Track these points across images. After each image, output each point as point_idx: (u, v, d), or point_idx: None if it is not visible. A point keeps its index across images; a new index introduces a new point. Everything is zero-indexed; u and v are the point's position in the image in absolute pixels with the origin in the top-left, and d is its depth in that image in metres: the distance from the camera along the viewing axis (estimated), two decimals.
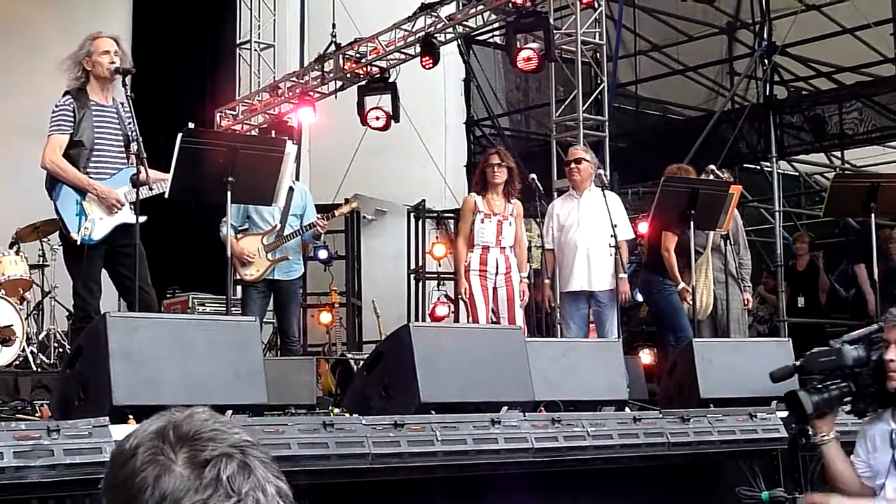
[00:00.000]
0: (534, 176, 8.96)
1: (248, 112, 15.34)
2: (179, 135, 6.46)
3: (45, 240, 10.71)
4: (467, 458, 4.75)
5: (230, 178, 6.51)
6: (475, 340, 5.93)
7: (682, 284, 8.78)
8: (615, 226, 8.29)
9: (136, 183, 6.56)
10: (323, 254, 13.83)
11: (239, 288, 9.07)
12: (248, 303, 8.74)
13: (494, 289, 8.66)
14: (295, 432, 4.33)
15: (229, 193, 6.56)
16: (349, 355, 11.69)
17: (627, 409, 6.94)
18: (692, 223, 8.22)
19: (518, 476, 5.02)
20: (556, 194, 10.85)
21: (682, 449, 5.52)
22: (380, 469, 4.49)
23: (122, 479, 1.52)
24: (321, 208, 9.25)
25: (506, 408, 5.54)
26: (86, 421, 3.99)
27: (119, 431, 4.18)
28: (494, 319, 8.60)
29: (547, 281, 8.97)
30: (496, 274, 8.66)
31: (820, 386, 4.68)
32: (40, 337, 10.57)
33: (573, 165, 9.00)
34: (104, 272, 6.98)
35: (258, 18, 16.09)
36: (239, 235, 8.49)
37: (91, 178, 6.74)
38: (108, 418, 4.07)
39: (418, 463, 4.60)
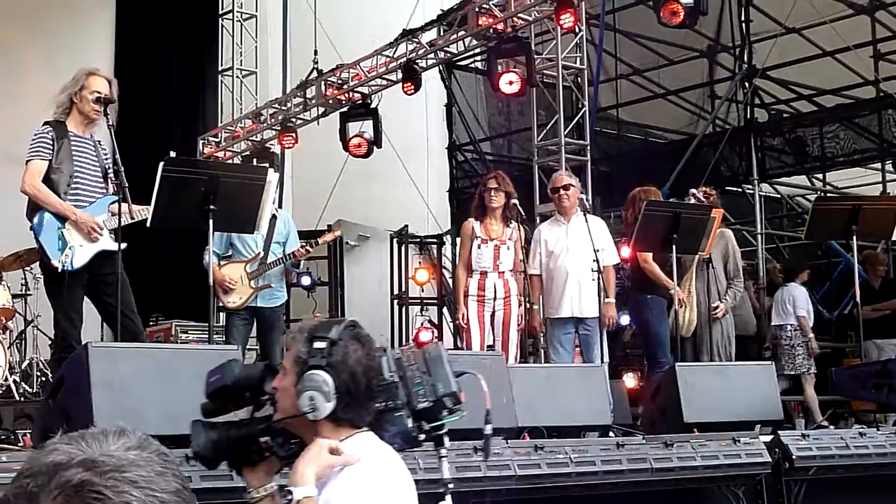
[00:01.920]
0: (515, 201, 8.94)
1: (230, 139, 15.33)
2: (161, 163, 6.46)
3: (28, 269, 10.67)
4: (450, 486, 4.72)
5: (212, 207, 6.52)
6: (456, 366, 5.90)
7: (675, 289, 8.75)
8: (597, 251, 8.31)
9: (116, 211, 6.55)
10: (306, 280, 13.71)
11: (223, 315, 9.05)
12: (231, 330, 8.72)
13: (492, 314, 8.66)
14: None
15: (211, 222, 6.57)
16: None
17: (611, 434, 6.96)
18: (674, 247, 8.26)
19: (502, 503, 5.00)
20: (538, 219, 10.88)
21: (666, 475, 5.51)
22: None
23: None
24: (304, 234, 9.25)
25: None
26: None
27: None
28: (490, 345, 8.60)
29: (536, 307, 8.92)
30: (494, 299, 8.66)
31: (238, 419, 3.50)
32: (23, 366, 10.53)
33: (562, 192, 8.98)
34: (88, 301, 6.97)
35: (240, 45, 16.11)
36: (222, 262, 8.48)
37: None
38: None
39: None
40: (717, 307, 9.17)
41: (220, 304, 8.66)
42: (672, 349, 8.75)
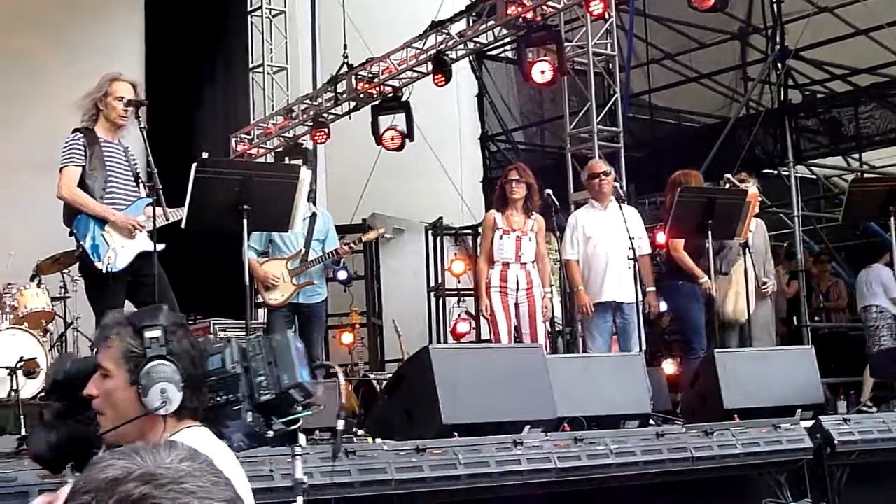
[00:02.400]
0: (549, 191, 8.91)
1: (262, 136, 15.36)
2: (193, 165, 6.48)
3: (66, 271, 10.73)
4: (491, 481, 4.74)
5: (245, 206, 6.54)
6: (495, 360, 5.93)
7: (704, 278, 8.72)
8: (633, 238, 8.27)
9: (153, 213, 6.58)
10: (342, 275, 13.79)
11: (261, 312, 9.08)
12: (273, 327, 8.79)
13: (516, 305, 8.63)
14: (317, 461, 4.32)
15: (245, 221, 6.59)
16: (371, 376, 11.69)
17: (651, 422, 6.94)
18: (710, 233, 8.22)
19: (542, 496, 4.99)
20: (572, 207, 10.83)
21: (707, 463, 5.49)
22: (404, 495, 4.48)
23: None
24: (339, 229, 9.30)
25: (528, 427, 5.53)
26: None
27: None
28: (517, 336, 8.58)
29: (581, 288, 8.82)
30: (517, 290, 8.63)
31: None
32: None
33: (602, 177, 8.96)
34: (128, 304, 7.00)
35: (270, 42, 16.12)
36: (262, 259, 8.55)
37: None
38: None
39: (442, 487, 4.59)
40: (765, 283, 9.11)
41: (262, 301, 8.72)
42: (712, 335, 8.70)
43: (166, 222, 6.80)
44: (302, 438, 3.31)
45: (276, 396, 3.13)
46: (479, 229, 15.14)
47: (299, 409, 3.18)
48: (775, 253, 11.35)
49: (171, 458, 1.52)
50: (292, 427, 3.17)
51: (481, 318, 9.35)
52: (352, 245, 8.91)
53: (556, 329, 10.44)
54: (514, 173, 8.83)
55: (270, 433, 3.15)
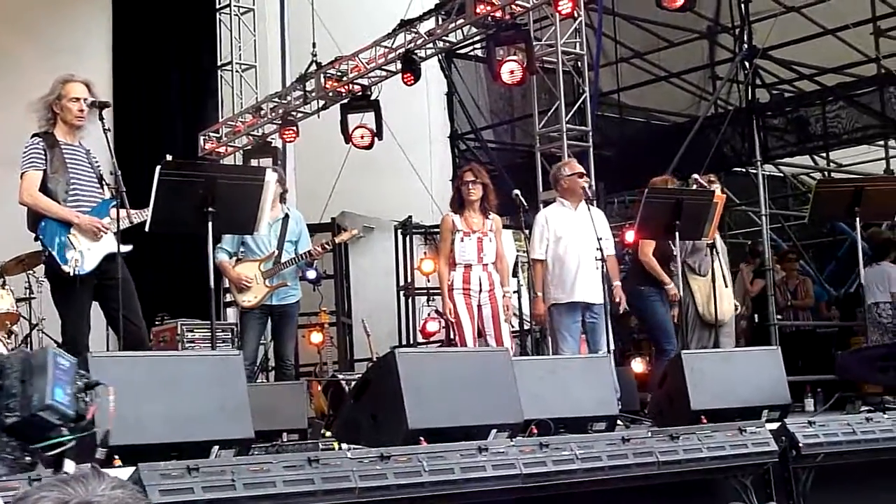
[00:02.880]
0: (517, 192, 8.90)
1: (231, 134, 15.29)
2: (157, 167, 6.43)
3: (31, 272, 10.67)
4: (456, 487, 4.72)
5: (210, 209, 6.51)
6: (461, 364, 5.91)
7: (670, 285, 8.78)
8: (600, 239, 8.27)
9: (117, 214, 6.54)
10: (311, 274, 13.71)
11: (230, 312, 9.07)
12: (246, 328, 8.86)
13: (479, 306, 8.62)
14: (280, 470, 4.29)
15: (210, 224, 6.55)
16: (340, 376, 11.67)
17: (619, 423, 6.95)
18: (677, 233, 8.24)
19: (508, 502, 4.98)
20: (541, 206, 10.83)
21: (673, 467, 5.49)
22: (367, 503, 4.45)
23: None
24: (309, 228, 9.31)
25: (495, 430, 5.52)
26: (69, 468, 3.95)
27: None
28: (481, 338, 8.58)
29: (539, 294, 8.84)
30: (480, 292, 8.62)
31: None
32: None
33: (585, 177, 8.98)
34: (95, 306, 6.96)
35: (238, 40, 16.05)
36: (235, 261, 8.55)
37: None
38: (90, 465, 4.03)
39: (406, 494, 4.57)
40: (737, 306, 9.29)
41: (236, 303, 8.73)
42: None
43: (130, 224, 6.77)
44: (69, 465, 2.83)
45: (22, 420, 2.73)
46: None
47: (64, 431, 2.74)
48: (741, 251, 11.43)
49: (104, 487, 1.51)
50: (53, 452, 2.74)
51: (446, 321, 9.32)
52: (325, 246, 8.91)
53: (525, 328, 10.45)
54: (470, 174, 8.81)
55: (27, 458, 2.73)
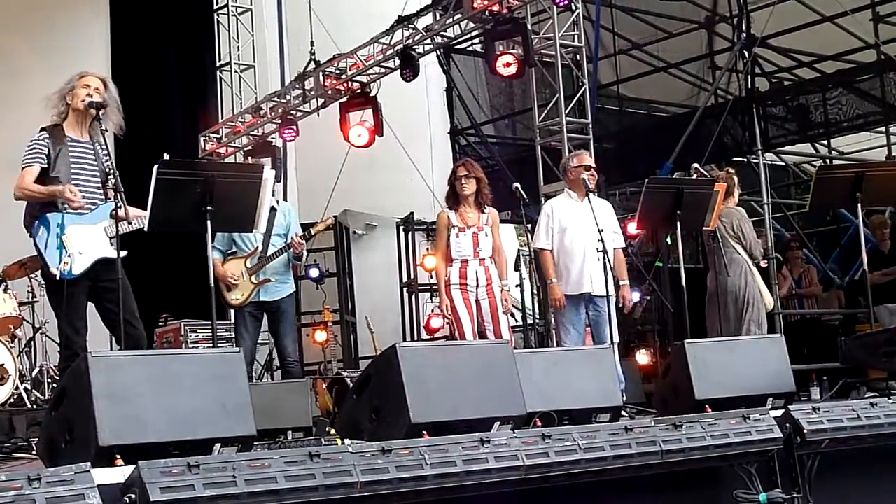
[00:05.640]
0: (517, 185, 8.88)
1: (231, 134, 15.30)
2: (155, 167, 6.42)
3: (33, 276, 10.67)
4: (458, 480, 4.70)
5: (209, 207, 6.49)
6: (463, 357, 5.89)
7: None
8: (602, 230, 8.25)
9: (116, 217, 6.53)
10: (314, 272, 13.80)
11: (232, 311, 9.05)
12: (240, 327, 8.77)
13: (477, 301, 8.62)
14: (281, 465, 4.27)
15: (209, 223, 6.54)
16: (345, 373, 11.66)
17: (624, 413, 6.93)
18: (678, 223, 8.22)
19: (511, 494, 4.97)
20: (542, 199, 10.82)
21: (677, 456, 5.46)
22: (369, 497, 4.44)
23: None
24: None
25: (498, 423, 5.51)
26: (67, 468, 3.93)
27: (103, 475, 4.14)
28: (481, 332, 8.57)
29: (554, 281, 8.78)
30: (477, 286, 8.62)
31: None
32: (33, 374, 10.54)
33: (594, 171, 8.94)
34: (93, 308, 6.94)
35: (237, 40, 16.06)
36: (226, 258, 8.51)
37: (69, 214, 6.69)
38: (89, 464, 4.02)
39: (409, 488, 4.55)
40: None
41: (225, 302, 8.68)
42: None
43: (130, 228, 6.75)
44: None
45: None
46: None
47: None
48: None
49: None
50: None
51: (444, 318, 9.29)
52: (303, 237, 8.73)
53: (528, 322, 10.43)
54: (463, 169, 8.81)
55: None
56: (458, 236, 8.67)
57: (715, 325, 9.26)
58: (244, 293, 8.55)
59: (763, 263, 9.13)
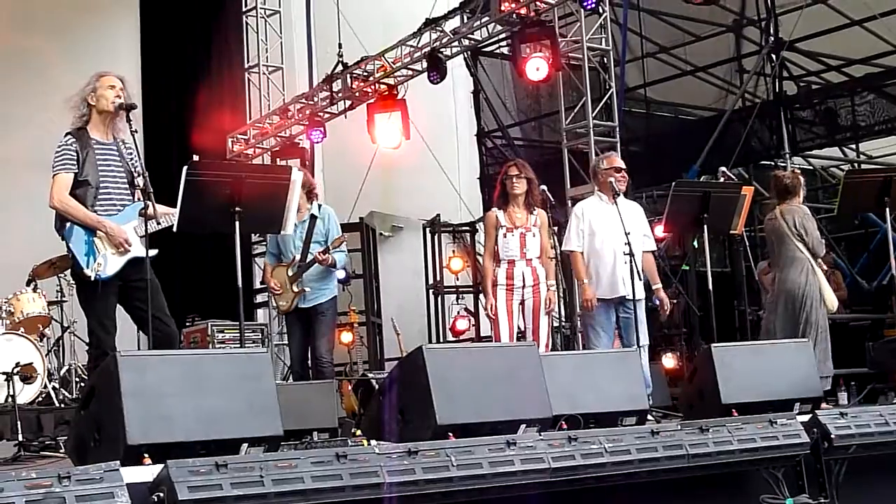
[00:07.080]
0: (544, 187, 8.89)
1: (259, 136, 15.36)
2: (184, 168, 6.45)
3: (62, 275, 10.74)
4: (484, 482, 4.72)
5: (237, 208, 6.52)
6: (490, 359, 5.90)
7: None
8: (628, 233, 8.23)
9: (145, 216, 6.56)
10: (341, 274, 13.78)
11: (260, 313, 9.13)
12: (290, 331, 9.12)
13: (521, 302, 8.63)
14: (308, 465, 4.30)
15: (237, 223, 6.57)
16: (370, 375, 11.67)
17: (650, 417, 6.91)
18: (705, 227, 8.20)
19: (537, 496, 4.97)
20: (569, 203, 10.83)
21: (703, 460, 5.46)
22: (396, 498, 4.46)
23: None
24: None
25: (524, 426, 5.51)
26: (97, 466, 3.97)
27: (132, 473, 4.17)
28: (520, 333, 8.57)
29: (587, 282, 8.70)
30: (523, 287, 8.62)
31: None
32: (62, 372, 10.60)
33: (623, 173, 8.92)
34: (121, 308, 6.98)
35: (265, 42, 16.10)
36: (278, 265, 8.81)
37: (99, 215, 6.73)
38: (119, 462, 4.05)
39: (434, 489, 4.57)
40: None
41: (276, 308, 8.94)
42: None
43: (159, 227, 6.78)
44: None
45: None
46: (478, 226, 15.24)
47: None
48: None
49: None
50: None
51: (481, 314, 9.30)
52: (322, 254, 8.73)
53: (555, 326, 10.42)
54: (514, 169, 8.81)
55: None
56: (505, 236, 8.68)
57: (770, 325, 9.09)
58: (287, 301, 8.71)
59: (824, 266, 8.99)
